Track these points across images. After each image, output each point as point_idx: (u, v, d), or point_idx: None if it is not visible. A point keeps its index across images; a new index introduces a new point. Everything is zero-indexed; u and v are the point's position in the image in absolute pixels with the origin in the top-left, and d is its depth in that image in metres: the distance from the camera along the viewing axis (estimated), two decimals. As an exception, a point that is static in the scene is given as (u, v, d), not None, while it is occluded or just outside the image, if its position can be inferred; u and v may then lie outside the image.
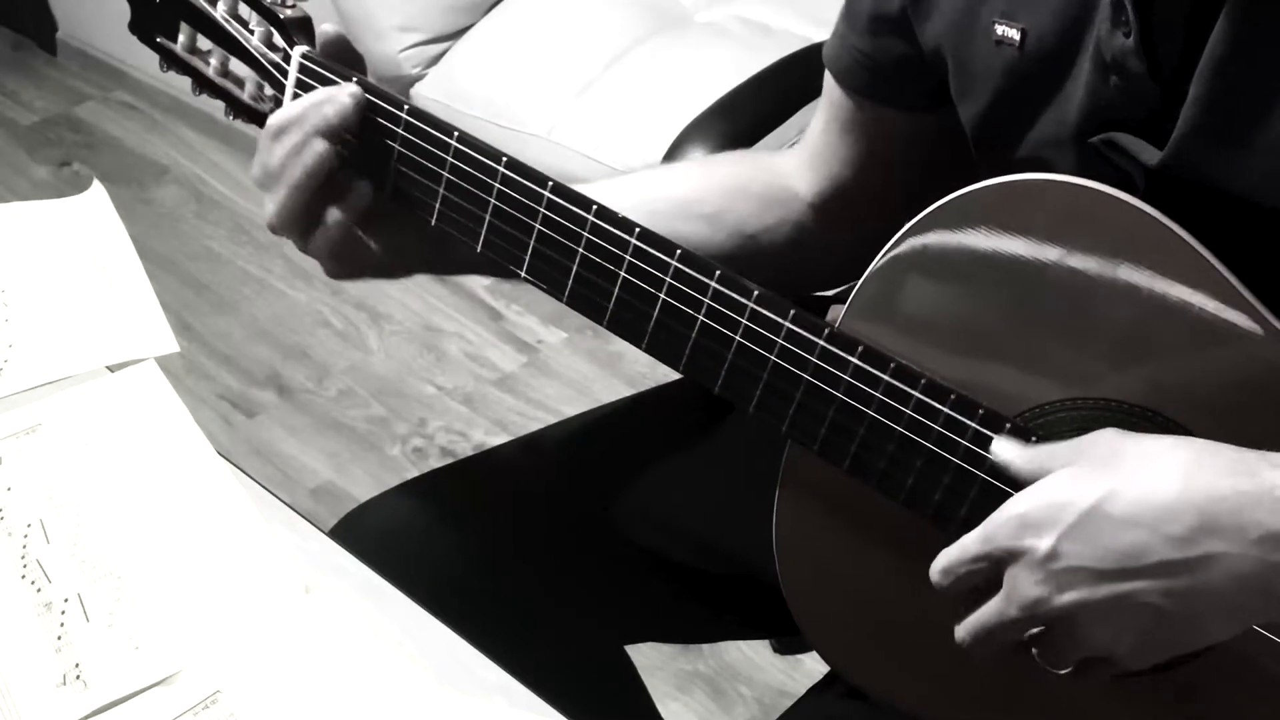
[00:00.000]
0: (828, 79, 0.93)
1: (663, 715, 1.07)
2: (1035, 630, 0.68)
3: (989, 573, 0.68)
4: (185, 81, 0.94)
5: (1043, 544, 0.65)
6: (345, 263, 0.86)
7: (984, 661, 0.71)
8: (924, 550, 0.73)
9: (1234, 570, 0.62)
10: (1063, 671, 0.69)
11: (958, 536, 0.70)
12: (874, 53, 0.88)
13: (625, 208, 0.78)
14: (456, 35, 2.15)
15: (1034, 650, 0.69)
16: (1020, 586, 0.66)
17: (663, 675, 1.72)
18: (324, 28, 0.85)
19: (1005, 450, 0.70)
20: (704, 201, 0.93)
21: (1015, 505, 0.67)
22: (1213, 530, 0.62)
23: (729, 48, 1.97)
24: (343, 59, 0.85)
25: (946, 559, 0.69)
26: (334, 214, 0.83)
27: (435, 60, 2.14)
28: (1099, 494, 0.64)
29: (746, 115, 1.52)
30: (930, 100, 0.87)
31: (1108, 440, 0.67)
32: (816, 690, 0.96)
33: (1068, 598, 0.65)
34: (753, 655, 1.75)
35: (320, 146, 0.81)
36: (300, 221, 0.84)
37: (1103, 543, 0.64)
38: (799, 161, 0.97)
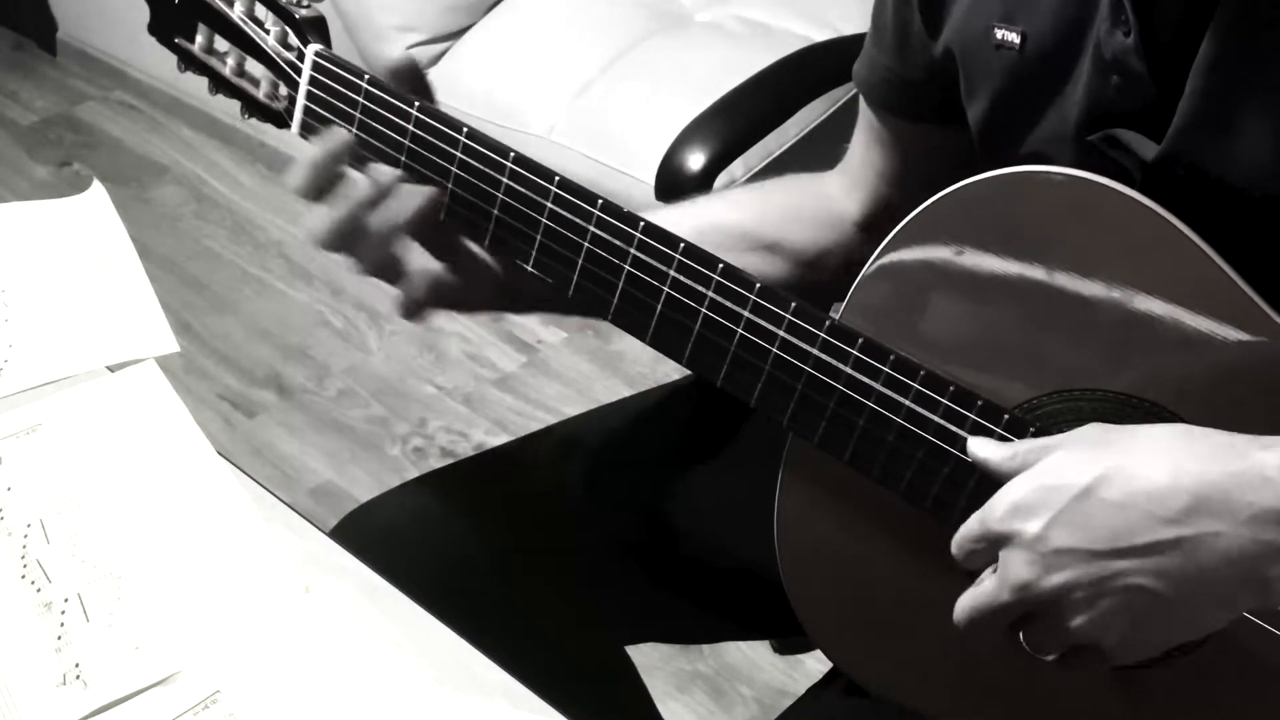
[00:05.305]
0: (862, 99, 0.94)
1: (663, 715, 1.07)
2: (1026, 613, 0.68)
3: (988, 555, 0.68)
4: (185, 81, 0.94)
5: (1032, 527, 0.66)
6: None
7: (978, 646, 0.71)
8: (924, 544, 0.73)
9: (1225, 549, 0.63)
10: (1049, 658, 0.69)
11: (957, 528, 0.70)
12: (901, 69, 0.88)
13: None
14: (456, 35, 2.15)
15: (1021, 636, 0.69)
16: (1012, 568, 0.67)
17: (663, 675, 1.71)
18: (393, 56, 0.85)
19: (982, 449, 0.70)
20: (761, 231, 0.93)
21: (1010, 490, 0.67)
22: (1204, 511, 0.63)
23: (729, 48, 1.97)
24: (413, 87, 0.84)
25: (957, 536, 0.70)
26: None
27: (435, 60, 2.14)
28: (1091, 478, 0.65)
29: (746, 115, 1.52)
30: (959, 111, 0.87)
31: (1097, 428, 0.68)
32: (817, 689, 0.96)
33: (1057, 579, 0.65)
34: (753, 655, 1.75)
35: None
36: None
37: (1094, 526, 0.64)
38: (843, 184, 0.97)
